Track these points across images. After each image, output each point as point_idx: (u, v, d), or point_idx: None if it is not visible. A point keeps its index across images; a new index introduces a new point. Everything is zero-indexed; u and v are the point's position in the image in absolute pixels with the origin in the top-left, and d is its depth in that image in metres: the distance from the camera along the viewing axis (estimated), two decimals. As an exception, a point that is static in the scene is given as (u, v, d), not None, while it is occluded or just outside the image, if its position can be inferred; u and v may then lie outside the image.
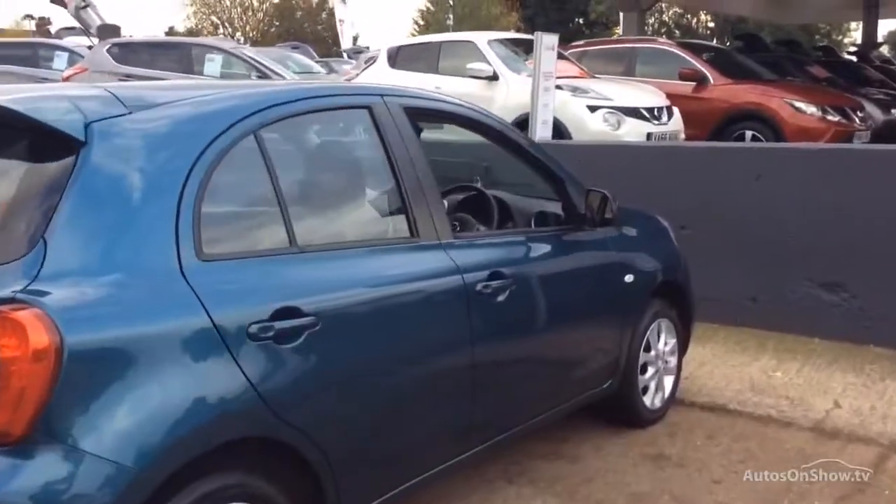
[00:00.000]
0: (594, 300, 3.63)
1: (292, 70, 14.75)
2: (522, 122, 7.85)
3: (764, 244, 5.56)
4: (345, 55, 25.51)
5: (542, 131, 7.41)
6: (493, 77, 9.02)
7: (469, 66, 9.06)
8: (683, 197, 5.82)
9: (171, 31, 46.89)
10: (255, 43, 40.48)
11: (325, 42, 43.03)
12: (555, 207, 3.71)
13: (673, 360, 4.25)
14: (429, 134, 5.78)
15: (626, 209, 3.95)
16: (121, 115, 2.23)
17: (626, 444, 3.93)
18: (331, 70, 18.28)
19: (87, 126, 2.14)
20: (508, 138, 3.45)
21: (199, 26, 49.02)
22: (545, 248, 3.41)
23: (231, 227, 2.41)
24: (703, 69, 10.40)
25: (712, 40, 27.32)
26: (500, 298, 3.00)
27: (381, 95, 2.89)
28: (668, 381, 4.24)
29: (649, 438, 3.99)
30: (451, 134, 5.27)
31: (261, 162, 2.41)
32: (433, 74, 9.51)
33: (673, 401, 4.31)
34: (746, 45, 15.39)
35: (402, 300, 2.67)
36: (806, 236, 5.45)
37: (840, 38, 40.77)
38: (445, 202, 3.86)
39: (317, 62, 18.76)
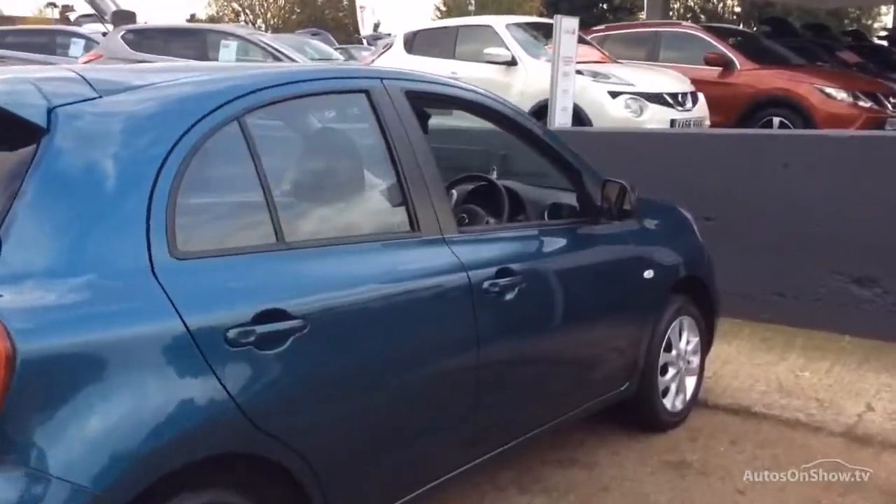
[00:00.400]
0: (611, 298, 3.41)
1: (310, 57, 14.57)
2: (541, 109, 7.66)
3: (792, 236, 5.31)
4: (364, 42, 25.29)
5: (561, 118, 7.19)
6: (512, 62, 8.79)
7: (486, 51, 8.83)
8: (708, 186, 5.58)
9: (192, 19, 46.82)
10: (276, 30, 40.35)
11: (346, 29, 42.76)
12: (570, 199, 3.49)
13: (695, 360, 4.02)
14: (443, 120, 5.59)
15: (645, 200, 3.72)
16: (89, 100, 2.03)
17: (644, 449, 3.72)
18: (350, 57, 18.06)
19: (49, 111, 1.95)
20: (521, 126, 3.23)
21: (220, 13, 48.96)
22: (558, 242, 3.18)
23: (210, 222, 2.21)
24: (729, 54, 10.12)
25: (738, 25, 26.81)
26: (509, 297, 2.79)
27: (381, 79, 2.68)
28: (690, 383, 4.01)
29: (669, 444, 3.77)
30: (467, 121, 5.06)
31: (245, 150, 2.21)
32: (450, 60, 9.29)
33: (695, 403, 4.09)
34: (774, 29, 15.00)
35: (401, 300, 2.47)
36: (836, 228, 5.19)
37: (870, 22, 39.97)
38: (454, 192, 3.67)
39: (336, 49, 18.56)
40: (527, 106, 8.21)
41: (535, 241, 3.11)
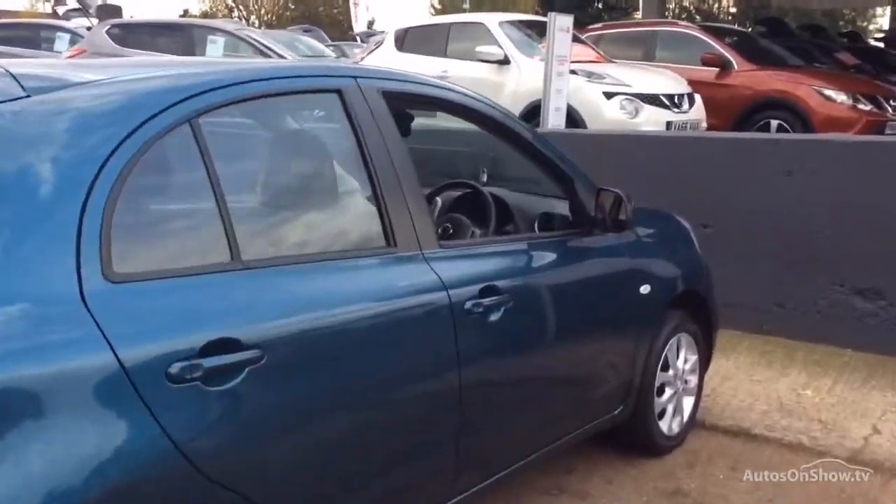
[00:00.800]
0: (604, 316, 3.17)
1: (301, 53, 14.34)
2: (534, 109, 7.49)
3: (793, 245, 5.09)
4: (358, 39, 25.02)
5: (554, 119, 7.01)
6: (504, 61, 8.57)
7: (479, 49, 8.60)
8: (706, 192, 5.36)
9: (185, 14, 46.41)
10: (269, 26, 39.95)
11: (340, 26, 42.39)
12: (562, 207, 3.25)
13: (693, 380, 3.79)
14: (432, 122, 5.36)
15: (642, 209, 3.49)
16: (13, 100, 1.79)
17: (639, 476, 3.48)
18: (342, 54, 17.81)
19: (-37, 114, 1.71)
20: (509, 129, 2.98)
21: (214, 9, 48.54)
22: (548, 256, 2.94)
23: (153, 240, 1.96)
24: (726, 54, 9.94)
25: (734, 26, 26.63)
26: (494, 318, 2.55)
27: (355, 77, 2.44)
28: (688, 403, 3.78)
29: (665, 470, 3.54)
30: (456, 122, 4.83)
31: (197, 157, 1.97)
32: (441, 58, 9.08)
33: (693, 424, 3.85)
34: (769, 30, 14.82)
35: (373, 323, 2.23)
36: (839, 237, 4.97)
37: (865, 24, 39.83)
38: (439, 200, 3.44)
39: (328, 46, 18.30)
40: (519, 106, 8.05)
41: (522, 256, 2.87)
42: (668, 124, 7.98)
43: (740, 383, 4.50)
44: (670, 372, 3.59)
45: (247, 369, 1.87)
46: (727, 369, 4.67)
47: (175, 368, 1.75)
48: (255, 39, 12.20)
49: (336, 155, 2.44)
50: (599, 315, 3.14)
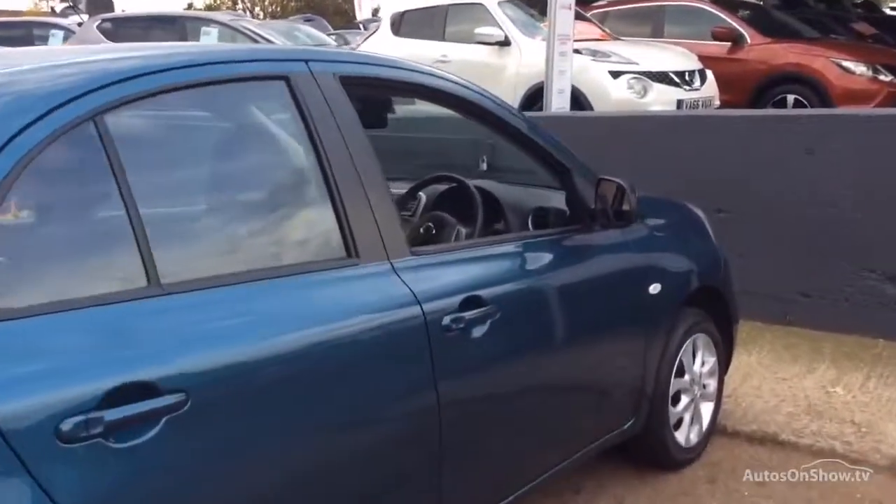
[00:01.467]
0: (608, 322, 2.82)
1: (300, 43, 14.02)
2: (537, 92, 7.13)
3: (817, 229, 4.72)
4: (361, 27, 24.62)
5: (558, 101, 6.61)
6: (505, 42, 8.19)
7: (477, 30, 8.22)
8: (721, 174, 4.99)
9: (189, 7, 46.06)
10: (273, 17, 39.50)
11: (345, 14, 41.88)
12: (560, 200, 2.89)
13: (712, 384, 3.44)
14: (424, 107, 5.01)
15: (650, 198, 3.14)
16: None
17: (653, 494, 3.14)
18: (344, 42, 17.45)
19: None
20: (497, 117, 2.61)
21: (218, 1, 48.18)
22: (542, 258, 2.59)
23: (47, 264, 1.62)
24: (738, 27, 9.52)
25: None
26: (478, 334, 2.21)
27: (306, 61, 2.09)
28: (707, 410, 3.42)
29: (684, 486, 3.19)
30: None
31: (103, 160, 1.63)
32: (439, 42, 8.72)
33: (712, 432, 3.50)
34: (783, 1, 14.33)
35: (327, 351, 1.88)
36: (867, 219, 4.60)
37: (878, -6, 39.04)
38: (423, 196, 3.09)
39: (330, 34, 17.93)
40: (522, 89, 7.74)
41: (512, 259, 2.52)
42: (679, 103, 7.60)
43: (764, 381, 4.14)
44: (686, 377, 3.23)
45: (164, 419, 1.53)
46: (749, 365, 4.31)
47: (69, 426, 1.42)
48: (250, 30, 11.87)
49: (283, 153, 2.09)
50: (603, 322, 2.78)
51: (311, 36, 15.45)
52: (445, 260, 2.29)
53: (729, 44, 9.39)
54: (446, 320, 2.12)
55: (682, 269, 3.17)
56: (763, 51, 9.26)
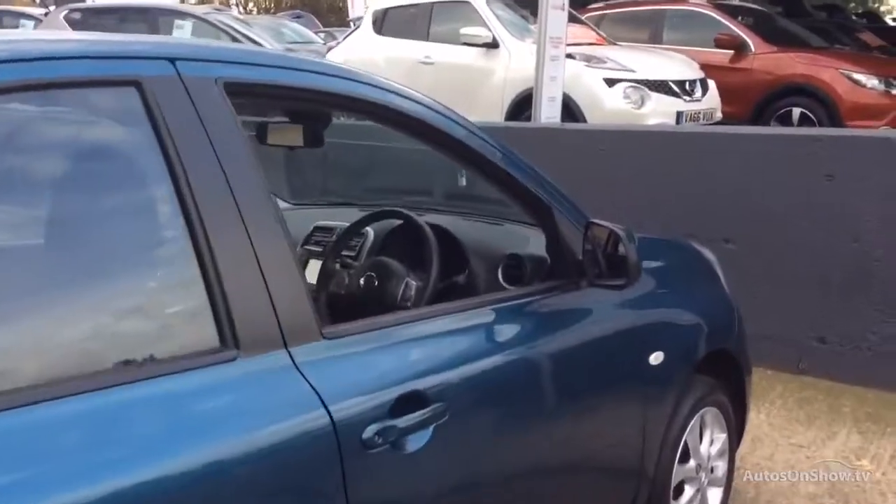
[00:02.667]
0: (599, 409, 2.21)
1: (287, 40, 13.46)
2: (526, 99, 6.61)
3: (837, 265, 4.15)
4: (352, 24, 24.01)
5: (548, 110, 6.11)
6: (493, 44, 7.58)
7: (463, 31, 7.61)
8: (728, 200, 4.44)
9: (183, 1, 45.26)
10: (266, 12, 38.80)
11: (340, 12, 41.18)
12: (539, 242, 2.26)
13: (722, 465, 2.82)
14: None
15: (648, 239, 2.55)
16: None
17: None
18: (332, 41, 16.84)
19: None
20: (457, 141, 1.96)
21: (210, -4, 47.43)
22: (512, 331, 1.96)
23: None
24: (742, 35, 9.00)
25: (750, 4, 25.44)
26: (416, 446, 1.59)
27: (172, 59, 1.46)
28: (715, 497, 2.81)
29: None
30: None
31: None
32: (423, 42, 8.12)
33: (720, 521, 2.89)
34: (785, 9, 13.78)
35: (186, 486, 1.26)
36: (894, 256, 4.02)
37: (876, 5, 38.56)
38: (370, 233, 2.48)
39: (318, 32, 17.32)
40: (509, 95, 7.20)
41: (471, 336, 1.88)
42: (679, 115, 7.04)
43: (777, 449, 3.54)
44: (691, 463, 2.62)
45: None
46: (758, 426, 3.71)
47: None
48: (227, 25, 11.24)
49: (126, 193, 1.45)
50: (591, 409, 2.17)
51: (298, 33, 14.85)
52: (374, 342, 1.66)
53: (732, 52, 8.87)
54: (368, 432, 1.51)
55: (688, 332, 2.56)
56: (768, 60, 8.75)
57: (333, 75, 1.77)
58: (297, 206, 3.19)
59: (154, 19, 10.81)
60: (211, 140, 1.45)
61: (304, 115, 2.08)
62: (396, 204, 2.97)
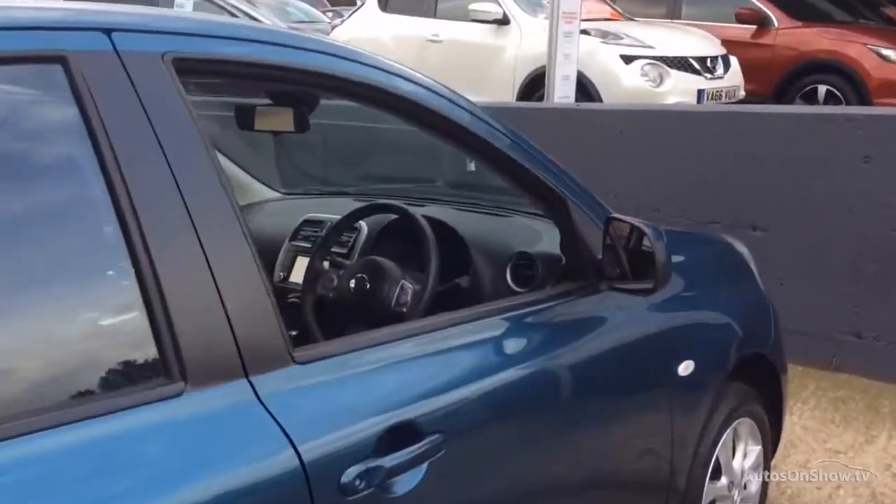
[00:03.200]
0: (622, 426, 1.94)
1: (293, 19, 13.20)
2: (539, 78, 6.41)
3: (874, 254, 3.85)
4: (359, 2, 23.66)
5: (562, 89, 5.91)
6: (503, 20, 7.38)
7: (472, 7, 7.36)
8: (756, 184, 4.13)
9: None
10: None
11: (351, -9, 40.87)
12: (552, 238, 1.99)
13: (756, 480, 2.55)
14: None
15: (676, 233, 2.28)
16: None
17: None
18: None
19: None
20: (458, 126, 1.67)
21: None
22: (522, 343, 1.68)
23: None
24: (764, 9, 8.66)
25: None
26: (406, 488, 1.33)
27: (108, 31, 1.20)
28: (748, 514, 2.55)
29: None
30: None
31: None
32: (430, 19, 7.88)
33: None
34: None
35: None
36: (937, 244, 3.74)
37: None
38: (364, 227, 2.23)
39: (326, 11, 17.04)
40: (521, 74, 6.98)
41: (474, 351, 1.61)
42: (700, 93, 6.85)
43: (812, 454, 3.28)
44: (723, 480, 2.35)
45: None
46: (790, 429, 3.43)
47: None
48: (228, 2, 10.96)
49: (47, 191, 1.17)
50: (611, 431, 1.90)
51: (303, 12, 14.56)
52: (357, 364, 1.40)
53: (754, 27, 8.55)
54: (348, 475, 1.25)
55: (721, 337, 2.28)
56: (792, 35, 8.43)
57: (310, 50, 1.49)
58: (288, 196, 2.94)
59: (154, -3, 10.52)
60: (154, 127, 1.18)
61: (280, 96, 1.81)
62: (396, 192, 2.72)
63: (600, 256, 1.85)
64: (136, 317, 1.14)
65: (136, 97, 1.18)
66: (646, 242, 1.80)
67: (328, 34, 9.29)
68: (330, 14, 16.86)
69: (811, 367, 3.93)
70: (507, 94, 6.97)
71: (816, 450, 3.30)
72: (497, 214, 2.36)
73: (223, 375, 1.18)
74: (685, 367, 2.07)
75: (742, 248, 2.63)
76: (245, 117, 1.84)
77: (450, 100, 1.66)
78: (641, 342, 1.97)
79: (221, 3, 10.58)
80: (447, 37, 7.60)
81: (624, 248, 1.83)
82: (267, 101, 1.81)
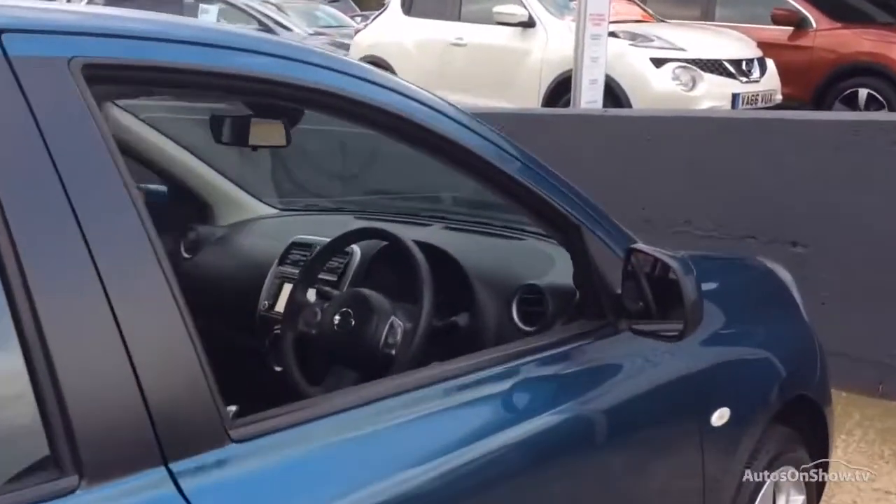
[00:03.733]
0: (644, 492, 1.67)
1: (322, 24, 13.14)
2: (565, 83, 6.30)
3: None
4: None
5: (589, 94, 5.78)
6: (529, 23, 7.19)
7: (497, 9, 7.16)
8: (795, 197, 3.88)
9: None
10: (308, -1, 38.52)
11: (381, -3, 40.77)
12: (565, 267, 1.72)
13: (799, 533, 2.27)
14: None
15: (708, 259, 2.02)
16: None
17: None
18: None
19: None
20: (445, 140, 1.41)
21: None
22: (523, 399, 1.41)
23: None
24: (802, 9, 8.38)
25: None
26: None
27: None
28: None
29: None
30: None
31: None
32: (454, 22, 7.71)
33: None
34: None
35: None
36: None
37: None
38: (357, 252, 1.99)
39: (356, 16, 16.92)
40: (547, 79, 6.85)
41: (468, 414, 1.34)
42: (735, 97, 6.60)
43: (859, 496, 2.98)
44: (760, 544, 2.08)
45: None
46: (834, 466, 3.11)
47: None
48: (256, 10, 10.84)
49: None
50: (633, 492, 1.63)
51: (332, 17, 14.46)
52: (320, 437, 1.14)
53: (791, 28, 8.27)
54: None
55: (761, 380, 2.01)
56: (831, 37, 8.16)
57: (265, 54, 1.25)
58: (283, 213, 2.70)
59: (178, 3, 10.40)
60: (50, 151, 0.95)
61: (260, 108, 1.57)
62: (401, 209, 2.48)
63: (619, 291, 1.59)
64: (13, 387, 0.90)
65: (26, 109, 0.94)
66: (671, 275, 1.53)
67: (352, 37, 9.13)
68: (358, 19, 16.74)
69: (856, 394, 3.65)
70: (532, 98, 6.78)
71: (864, 490, 3.00)
72: (507, 236, 2.11)
73: (132, 464, 0.94)
74: (719, 416, 1.80)
75: (784, 275, 2.34)
76: (219, 129, 1.62)
77: (434, 109, 1.41)
78: (668, 391, 1.70)
79: (249, 10, 10.45)
80: (471, 40, 7.43)
81: (648, 281, 1.56)
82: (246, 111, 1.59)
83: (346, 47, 8.61)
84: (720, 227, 3.99)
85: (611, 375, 1.59)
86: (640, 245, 1.56)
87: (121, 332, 0.94)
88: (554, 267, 1.87)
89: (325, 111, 1.40)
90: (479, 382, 1.38)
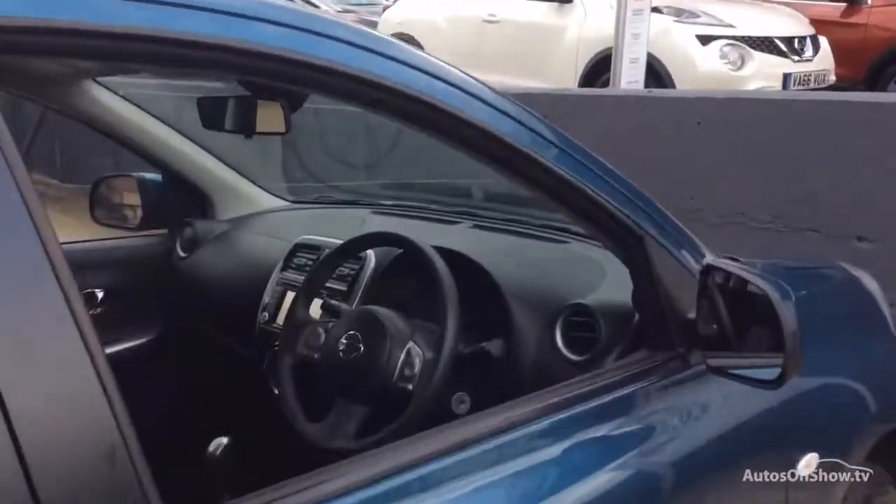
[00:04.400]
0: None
1: (349, 1, 12.84)
2: (604, 62, 6.06)
3: None
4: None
5: (630, 74, 5.50)
6: (565, -2, 6.93)
7: (532, -17, 6.89)
8: (861, 186, 3.55)
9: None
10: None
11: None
12: (621, 281, 1.41)
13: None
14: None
15: (787, 269, 1.70)
16: None
17: None
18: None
19: None
20: (474, 128, 1.10)
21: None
22: (574, 459, 1.12)
23: None
24: (856, -16, 8.11)
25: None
26: None
27: None
28: None
29: None
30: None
31: None
32: (487, -2, 7.40)
33: None
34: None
35: None
36: None
37: None
38: (371, 258, 1.70)
39: (385, -6, 16.67)
40: (584, 57, 6.72)
41: (504, 485, 1.05)
42: (787, 77, 6.31)
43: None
44: None
45: None
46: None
47: None
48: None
49: None
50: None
51: (361, -5, 14.18)
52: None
53: (844, 4, 8.08)
54: None
55: (853, 416, 1.69)
56: (886, 14, 7.93)
57: (214, 10, 0.92)
58: (295, 206, 2.41)
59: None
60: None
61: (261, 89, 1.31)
62: (425, 202, 2.18)
63: (692, 316, 1.28)
64: None
65: None
66: (759, 296, 1.21)
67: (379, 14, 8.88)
68: (385, -3, 16.48)
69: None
70: (569, 78, 6.53)
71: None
72: (547, 238, 1.80)
73: None
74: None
75: (871, 284, 2.02)
76: (212, 113, 1.39)
77: (459, 87, 1.10)
78: (749, 439, 1.40)
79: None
80: (504, 16, 7.17)
81: (729, 303, 1.26)
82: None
83: (375, 25, 8.37)
84: (777, 219, 3.68)
85: (682, 426, 1.28)
86: (719, 262, 1.25)
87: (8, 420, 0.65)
88: (605, 279, 1.56)
89: (321, 92, 1.09)
90: (509, 451, 1.06)
